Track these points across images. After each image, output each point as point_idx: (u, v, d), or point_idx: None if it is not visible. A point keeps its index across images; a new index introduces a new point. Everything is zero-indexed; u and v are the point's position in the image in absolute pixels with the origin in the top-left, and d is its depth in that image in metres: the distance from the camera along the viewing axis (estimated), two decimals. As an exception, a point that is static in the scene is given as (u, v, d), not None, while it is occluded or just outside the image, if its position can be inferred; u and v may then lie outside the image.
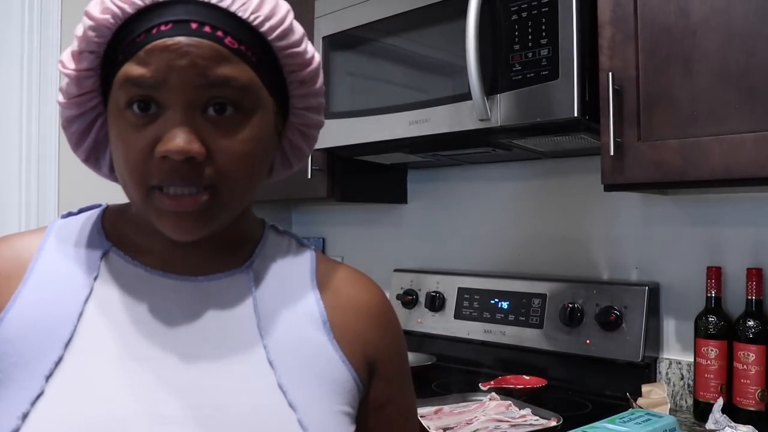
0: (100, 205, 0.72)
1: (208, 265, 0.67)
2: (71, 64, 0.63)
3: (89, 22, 0.61)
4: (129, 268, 0.65)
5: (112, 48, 0.62)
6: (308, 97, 0.70)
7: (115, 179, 0.71)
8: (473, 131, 1.42)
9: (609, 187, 1.30)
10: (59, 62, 0.64)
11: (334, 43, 1.72)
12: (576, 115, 1.26)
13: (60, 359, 0.58)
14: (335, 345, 0.69)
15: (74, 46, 0.63)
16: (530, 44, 1.32)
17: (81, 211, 0.71)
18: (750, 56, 1.13)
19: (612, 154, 1.25)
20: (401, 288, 1.98)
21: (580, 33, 1.27)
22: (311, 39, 1.83)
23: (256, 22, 0.62)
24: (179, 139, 0.58)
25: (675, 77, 1.21)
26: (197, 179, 0.59)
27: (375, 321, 0.72)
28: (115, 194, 0.71)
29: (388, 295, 2.05)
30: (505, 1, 1.36)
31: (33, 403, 0.55)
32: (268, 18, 0.63)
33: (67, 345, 0.59)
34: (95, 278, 0.64)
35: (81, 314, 0.61)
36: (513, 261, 1.84)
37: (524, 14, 1.33)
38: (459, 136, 1.47)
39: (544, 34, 1.30)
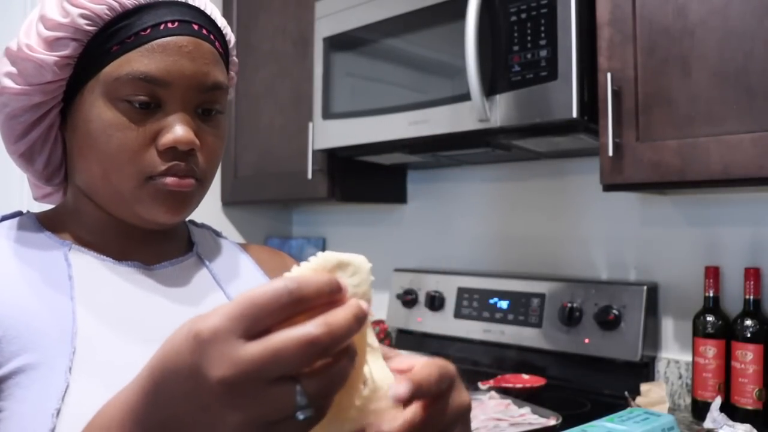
0: (20, 213, 0.72)
1: (160, 254, 0.72)
2: (43, 49, 0.62)
3: (79, 10, 0.62)
4: (97, 262, 0.67)
5: (99, 38, 0.63)
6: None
7: (47, 177, 0.73)
8: (472, 132, 1.43)
9: (608, 188, 1.31)
10: (25, 46, 0.63)
11: (334, 44, 1.72)
12: (575, 115, 1.27)
13: (74, 352, 0.59)
14: None
15: (49, 31, 0.62)
16: (529, 45, 1.33)
17: (3, 218, 0.71)
18: (748, 56, 1.13)
19: (611, 154, 1.25)
20: (401, 287, 1.98)
21: (578, 34, 1.28)
22: (312, 40, 1.84)
23: (223, 28, 0.70)
24: (184, 131, 0.63)
25: (673, 78, 1.21)
26: (194, 169, 0.66)
27: (284, 263, 0.84)
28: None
29: (388, 295, 2.06)
30: (505, 2, 1.37)
31: (63, 399, 0.55)
32: (226, 24, 0.71)
33: (74, 337, 0.60)
34: (70, 274, 0.64)
35: (74, 307, 0.62)
36: (512, 261, 1.85)
37: (523, 15, 1.34)
38: (458, 137, 1.48)
39: (543, 35, 1.31)
